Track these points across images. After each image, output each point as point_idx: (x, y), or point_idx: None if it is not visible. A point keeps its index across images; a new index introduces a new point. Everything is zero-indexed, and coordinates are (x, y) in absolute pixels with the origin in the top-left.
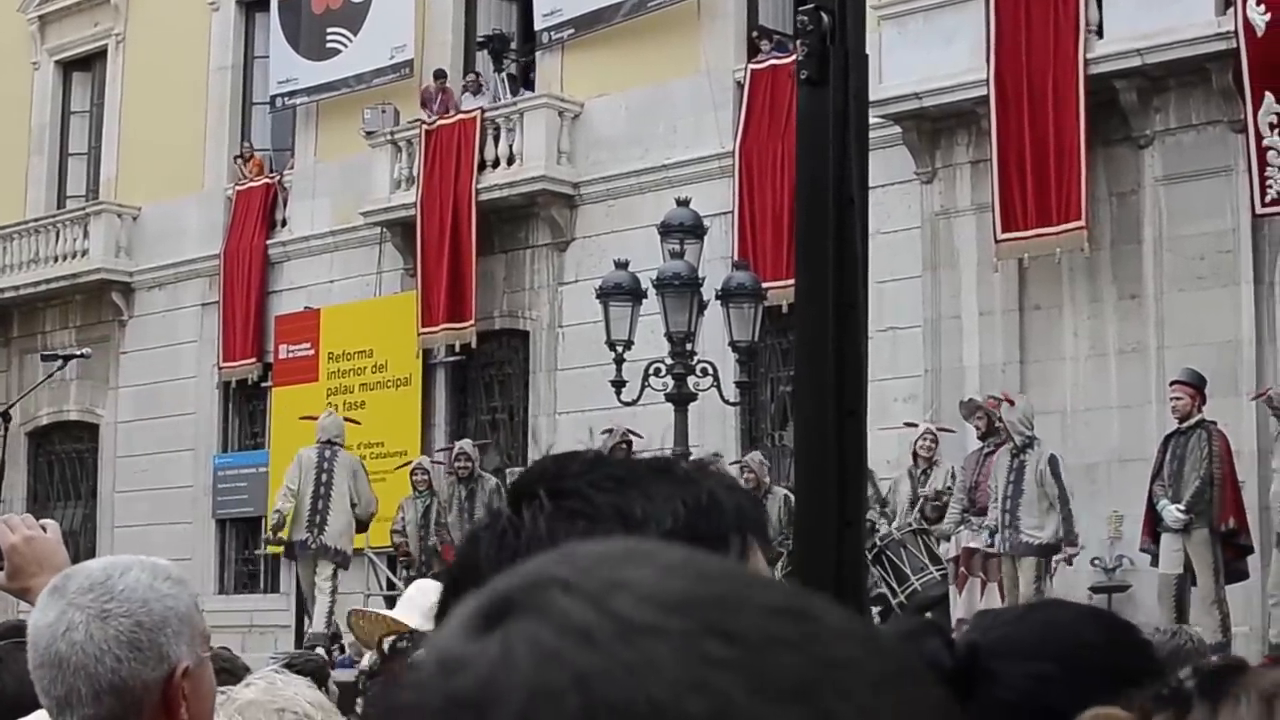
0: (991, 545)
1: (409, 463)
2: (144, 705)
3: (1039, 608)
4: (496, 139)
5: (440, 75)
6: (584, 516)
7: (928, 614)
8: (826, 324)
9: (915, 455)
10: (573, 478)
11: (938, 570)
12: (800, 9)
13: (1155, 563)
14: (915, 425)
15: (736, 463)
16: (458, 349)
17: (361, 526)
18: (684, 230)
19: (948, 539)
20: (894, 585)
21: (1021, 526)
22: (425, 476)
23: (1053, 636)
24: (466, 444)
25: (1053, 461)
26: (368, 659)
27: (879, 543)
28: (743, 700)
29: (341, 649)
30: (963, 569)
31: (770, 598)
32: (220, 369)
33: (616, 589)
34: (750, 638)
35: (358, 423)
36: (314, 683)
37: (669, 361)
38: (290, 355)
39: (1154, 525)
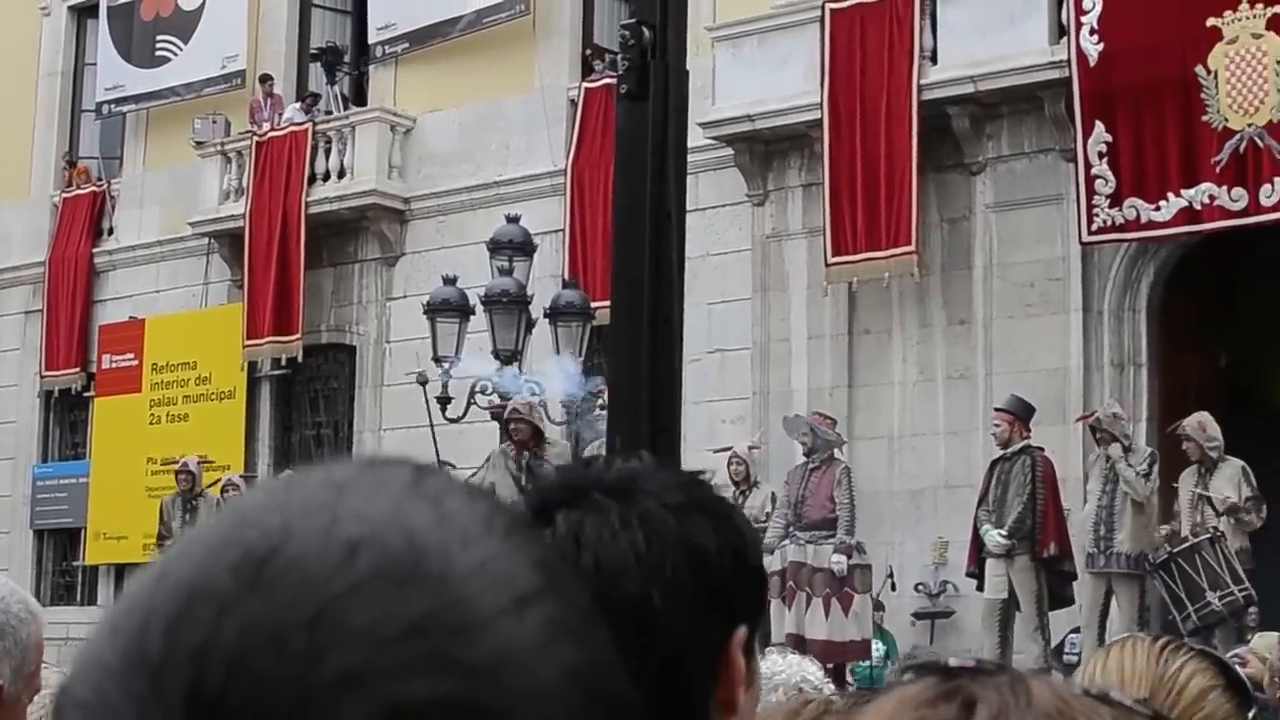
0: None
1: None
2: None
3: None
4: (328, 152)
5: (266, 79)
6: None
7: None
8: (641, 339)
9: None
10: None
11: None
12: (622, 24)
13: (981, 587)
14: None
15: None
16: (283, 362)
17: None
18: (513, 247)
19: (771, 553)
20: None
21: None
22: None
23: None
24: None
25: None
26: None
27: None
28: None
29: None
30: (790, 583)
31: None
32: (42, 377)
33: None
34: None
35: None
36: None
37: (495, 379)
38: (114, 365)
39: (979, 551)
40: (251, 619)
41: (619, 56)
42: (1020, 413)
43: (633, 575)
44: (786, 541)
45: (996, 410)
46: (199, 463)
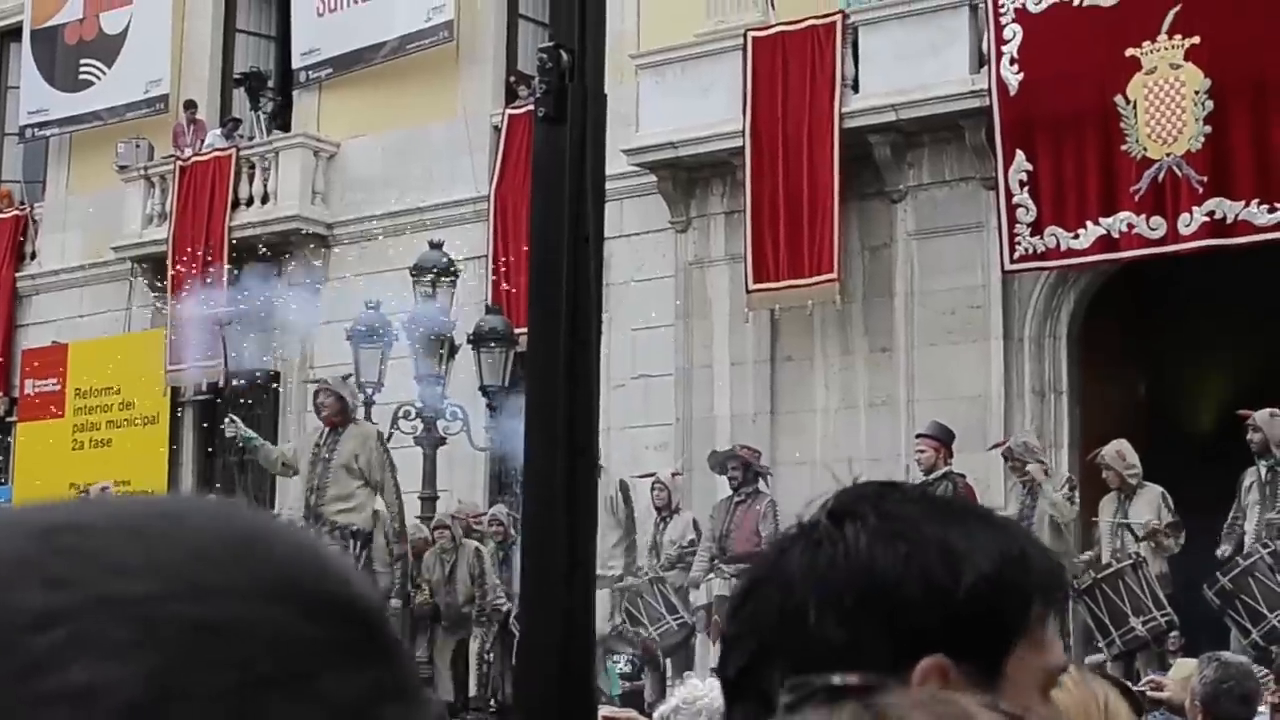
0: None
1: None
2: None
3: None
4: (251, 177)
5: (190, 106)
6: (906, 541)
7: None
8: (558, 362)
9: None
10: (901, 503)
11: (674, 620)
12: (540, 47)
13: None
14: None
15: (483, 513)
16: (204, 388)
17: None
18: (436, 273)
19: (696, 587)
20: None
21: None
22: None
23: None
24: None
25: None
26: None
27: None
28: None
29: None
30: (715, 618)
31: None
32: None
33: None
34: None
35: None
36: None
37: (419, 405)
38: (36, 390)
39: None
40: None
41: (537, 80)
42: (944, 438)
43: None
44: (712, 575)
45: (920, 436)
46: (104, 488)
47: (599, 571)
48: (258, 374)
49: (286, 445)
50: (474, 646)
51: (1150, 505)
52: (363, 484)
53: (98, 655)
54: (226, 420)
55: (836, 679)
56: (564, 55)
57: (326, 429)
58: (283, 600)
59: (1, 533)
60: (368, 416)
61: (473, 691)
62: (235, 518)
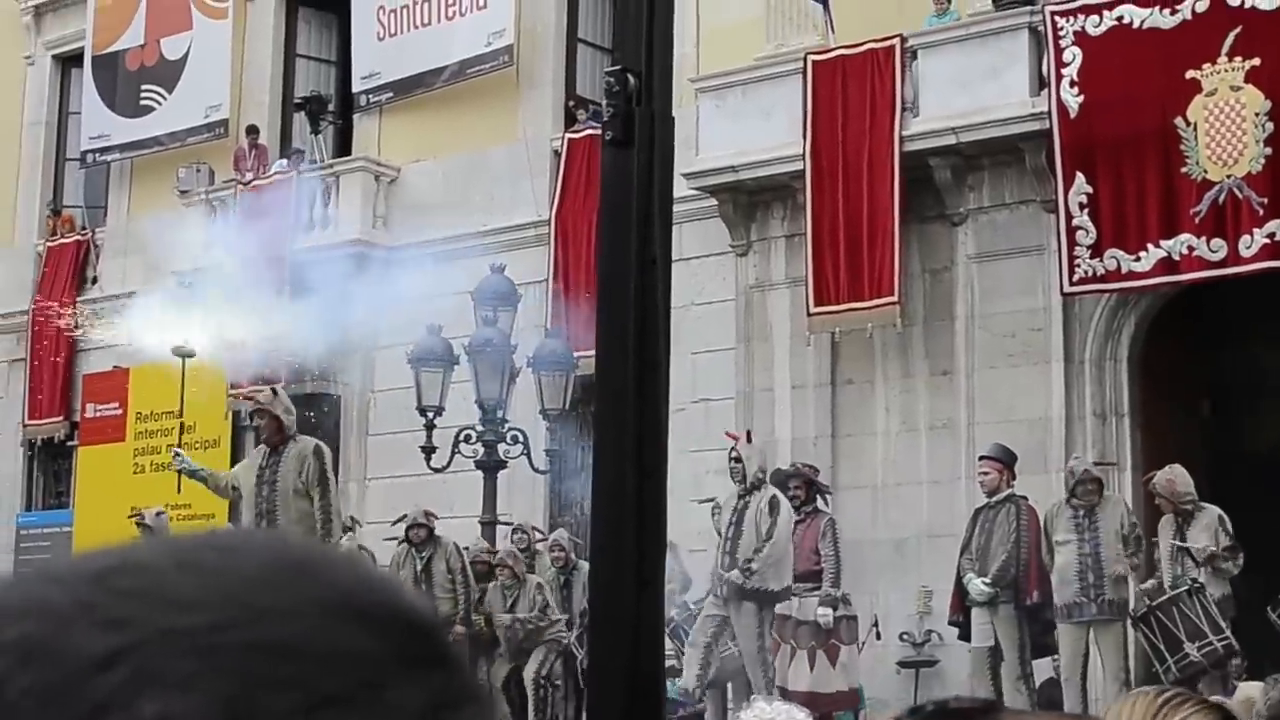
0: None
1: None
2: None
3: None
4: (312, 201)
5: (252, 130)
6: None
7: (729, 684)
8: (627, 384)
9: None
10: None
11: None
12: (607, 71)
13: (963, 636)
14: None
15: (544, 538)
16: None
17: None
18: (497, 297)
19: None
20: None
21: None
22: (561, 553)
23: None
24: (562, 535)
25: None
26: None
27: (676, 616)
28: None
29: None
30: (775, 636)
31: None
32: (25, 426)
33: None
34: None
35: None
36: None
37: (480, 428)
38: (98, 414)
39: (961, 599)
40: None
41: (604, 103)
42: (1007, 460)
43: None
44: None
45: (983, 458)
46: (158, 513)
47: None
48: (319, 396)
49: (233, 470)
50: (530, 671)
51: (1208, 529)
52: (309, 503)
53: (163, 688)
54: (172, 454)
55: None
56: (631, 79)
57: (267, 450)
58: (341, 617)
59: (56, 582)
60: (428, 440)
61: (530, 717)
62: (285, 545)
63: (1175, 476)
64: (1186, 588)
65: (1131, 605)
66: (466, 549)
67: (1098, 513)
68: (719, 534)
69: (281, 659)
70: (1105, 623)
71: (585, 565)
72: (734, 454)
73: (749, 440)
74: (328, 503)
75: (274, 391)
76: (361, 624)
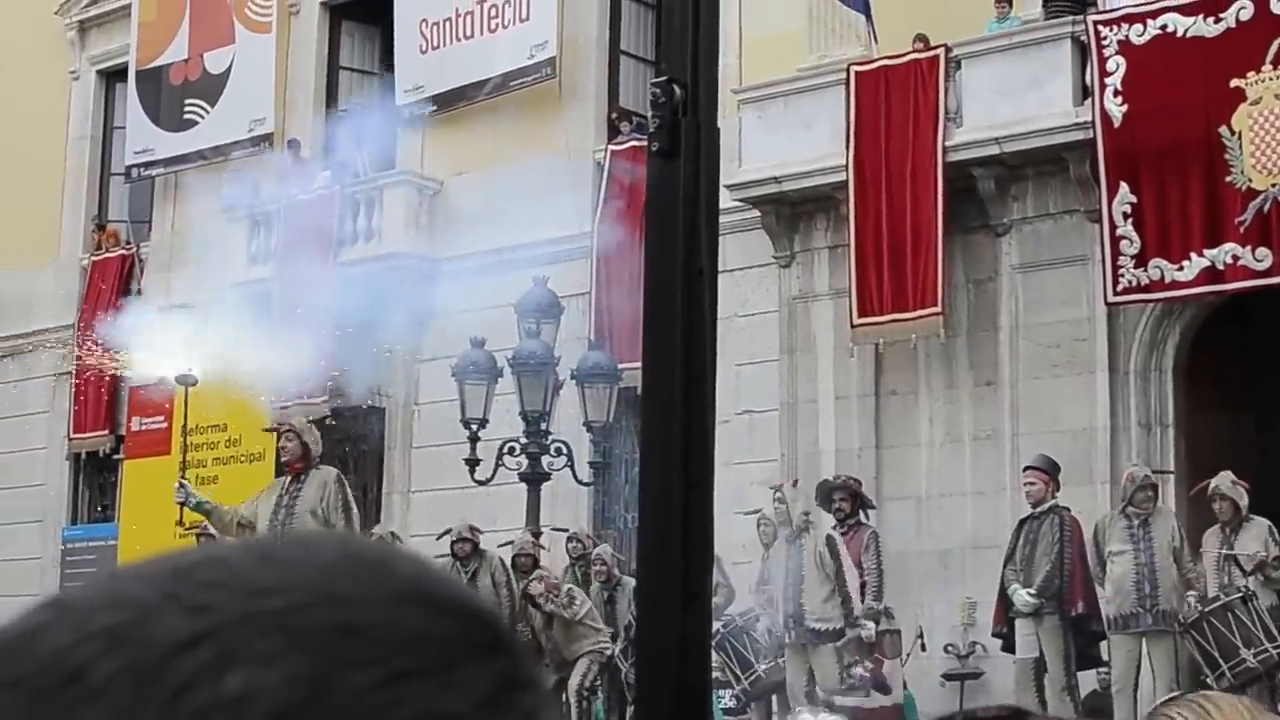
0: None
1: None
2: None
3: None
4: (355, 214)
5: (295, 144)
6: None
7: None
8: (674, 394)
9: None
10: None
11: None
12: (653, 81)
13: (1006, 648)
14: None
15: (585, 555)
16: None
17: None
18: (540, 309)
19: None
20: (737, 672)
21: None
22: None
23: None
24: (605, 550)
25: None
26: None
27: (721, 629)
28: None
29: None
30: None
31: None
32: (70, 440)
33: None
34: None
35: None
36: None
37: (523, 441)
38: (143, 428)
39: (1006, 610)
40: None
41: (649, 114)
42: (1052, 471)
43: None
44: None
45: (1028, 468)
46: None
47: (813, 625)
48: (364, 407)
49: (244, 505)
50: (574, 683)
51: (1258, 538)
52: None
53: (247, 664)
54: (176, 486)
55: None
56: (677, 89)
57: (288, 478)
58: (412, 603)
59: (139, 579)
60: (472, 452)
61: None
62: (355, 541)
63: (1235, 479)
64: (1240, 595)
65: (1182, 614)
66: (509, 544)
67: (1151, 523)
68: (764, 580)
69: (359, 639)
70: (1158, 633)
71: (628, 580)
72: (778, 497)
73: (794, 485)
74: (352, 529)
75: (308, 418)
76: (431, 610)
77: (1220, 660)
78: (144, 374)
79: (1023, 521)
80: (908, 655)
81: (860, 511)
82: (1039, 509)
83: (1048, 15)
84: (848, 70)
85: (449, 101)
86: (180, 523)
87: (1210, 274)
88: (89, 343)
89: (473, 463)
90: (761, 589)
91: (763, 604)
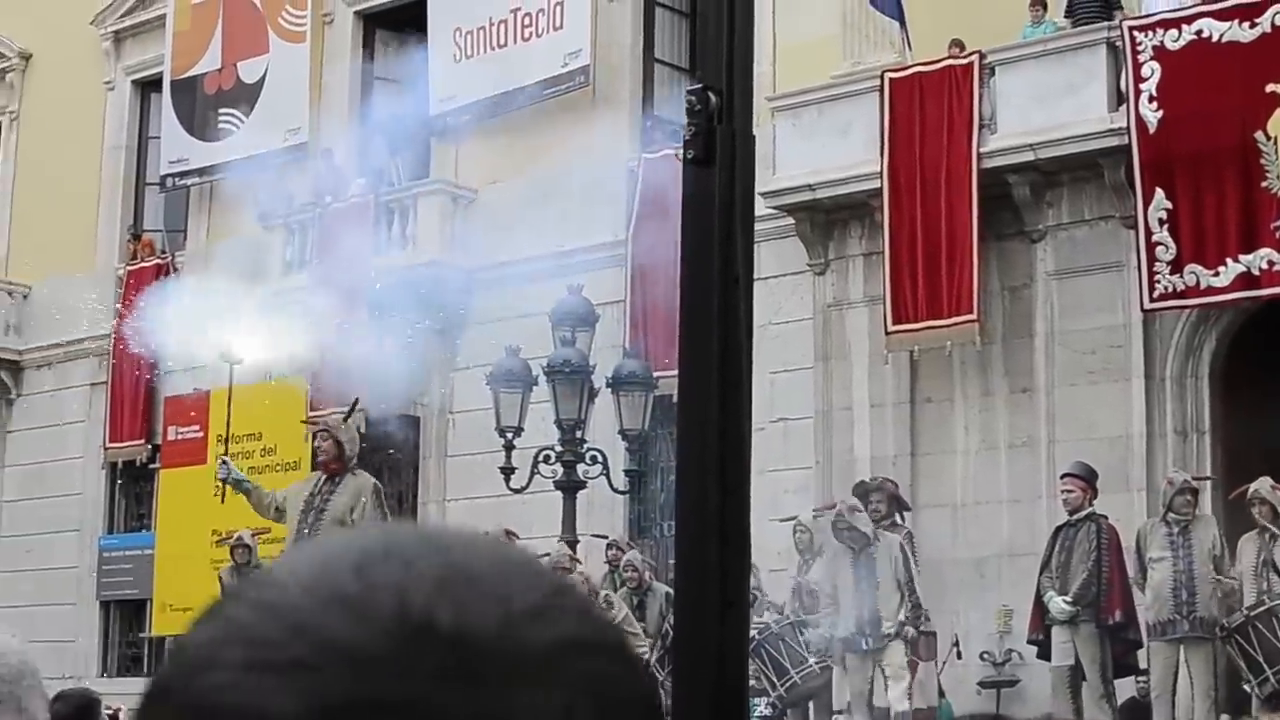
0: None
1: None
2: None
3: None
4: (390, 223)
5: (330, 153)
6: None
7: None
8: (710, 402)
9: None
10: None
11: (816, 664)
12: (688, 89)
13: (1042, 655)
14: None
15: (614, 561)
16: None
17: None
18: (575, 318)
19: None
20: (773, 679)
21: None
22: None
23: None
24: (635, 556)
25: None
26: None
27: (757, 636)
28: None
29: None
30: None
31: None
32: (107, 449)
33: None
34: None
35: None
36: None
37: (559, 449)
38: (179, 437)
39: (1042, 618)
40: (441, 564)
41: (685, 122)
42: (1089, 478)
43: None
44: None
45: (1065, 475)
46: (254, 535)
47: (886, 630)
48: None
49: (280, 491)
50: None
51: None
52: None
53: (576, 615)
54: (219, 462)
55: None
56: (712, 97)
57: (323, 476)
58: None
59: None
60: (507, 461)
61: None
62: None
63: (1275, 485)
64: None
65: (1225, 620)
66: (546, 555)
67: (1191, 530)
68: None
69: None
70: (1196, 640)
71: (659, 586)
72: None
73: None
74: None
75: (346, 418)
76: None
77: (1265, 666)
78: (184, 354)
79: (1059, 529)
80: (944, 663)
81: (896, 513)
82: (1076, 516)
83: (1075, 22)
84: (882, 77)
85: (483, 111)
86: (216, 533)
87: (1246, 279)
88: (130, 330)
89: (508, 471)
90: (806, 596)
91: (805, 610)
